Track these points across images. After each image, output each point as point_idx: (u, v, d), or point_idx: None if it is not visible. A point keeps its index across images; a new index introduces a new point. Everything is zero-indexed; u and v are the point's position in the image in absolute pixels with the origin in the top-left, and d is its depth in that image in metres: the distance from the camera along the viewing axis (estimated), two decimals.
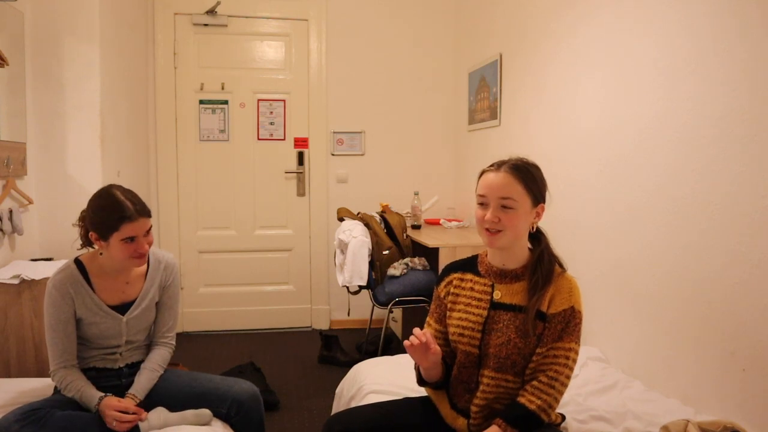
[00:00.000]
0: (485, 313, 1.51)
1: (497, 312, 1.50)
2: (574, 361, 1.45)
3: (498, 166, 1.49)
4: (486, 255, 1.59)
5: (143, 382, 1.75)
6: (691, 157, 1.83)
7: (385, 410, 1.62)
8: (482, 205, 1.48)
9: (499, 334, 1.47)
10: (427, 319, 1.66)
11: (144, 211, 1.70)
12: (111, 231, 1.65)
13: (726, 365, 1.70)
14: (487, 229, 1.46)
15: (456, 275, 1.61)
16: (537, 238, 1.54)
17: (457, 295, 1.58)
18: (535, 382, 1.42)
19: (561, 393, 1.43)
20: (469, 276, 1.58)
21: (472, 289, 1.56)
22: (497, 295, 1.51)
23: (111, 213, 1.65)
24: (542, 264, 1.48)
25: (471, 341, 1.51)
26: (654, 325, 2.02)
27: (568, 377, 1.44)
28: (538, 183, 1.49)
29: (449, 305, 1.59)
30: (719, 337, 1.73)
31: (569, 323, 1.44)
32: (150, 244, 1.73)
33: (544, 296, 1.45)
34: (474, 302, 1.54)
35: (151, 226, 1.73)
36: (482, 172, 1.52)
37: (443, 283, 1.63)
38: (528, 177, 1.47)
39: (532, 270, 1.49)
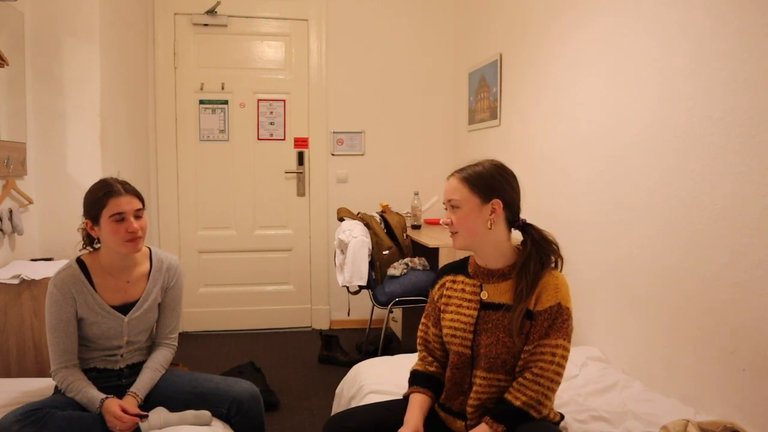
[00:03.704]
0: (475, 313, 1.53)
1: (487, 312, 1.51)
2: (563, 357, 1.45)
3: (452, 173, 1.57)
4: (473, 256, 1.61)
5: (145, 381, 1.75)
6: (691, 157, 1.83)
7: (386, 410, 1.63)
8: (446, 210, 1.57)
9: (489, 335, 1.49)
10: (423, 320, 1.68)
11: (131, 191, 1.72)
12: (99, 209, 1.67)
13: (726, 365, 1.70)
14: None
15: (449, 277, 1.64)
16: (528, 235, 1.54)
17: (449, 297, 1.60)
18: (520, 379, 1.44)
19: (550, 389, 1.43)
20: (460, 278, 1.61)
21: (463, 290, 1.58)
22: (484, 296, 1.53)
23: (98, 191, 1.69)
24: (527, 272, 1.48)
25: (463, 342, 1.53)
26: (654, 325, 2.02)
27: (557, 373, 1.44)
28: (486, 180, 1.50)
29: (442, 307, 1.61)
30: (719, 336, 1.73)
31: (556, 320, 1.44)
32: (143, 228, 1.72)
33: (532, 293, 1.46)
34: (465, 303, 1.56)
35: (141, 209, 1.72)
36: None
37: (437, 286, 1.66)
38: (471, 179, 1.51)
39: (518, 273, 1.50)
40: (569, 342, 1.46)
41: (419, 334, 1.69)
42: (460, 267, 1.64)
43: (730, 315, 1.69)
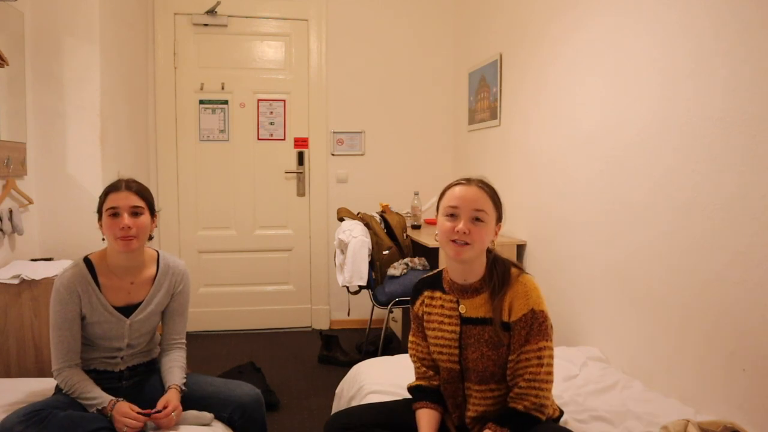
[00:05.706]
0: (458, 328, 1.53)
1: (467, 327, 1.52)
2: (550, 356, 1.46)
3: (467, 181, 1.52)
4: (447, 271, 1.59)
5: (179, 376, 1.76)
6: (692, 157, 1.83)
7: (386, 410, 1.64)
8: (452, 216, 1.47)
9: (473, 349, 1.50)
10: (411, 338, 1.66)
11: (132, 188, 1.73)
12: (101, 204, 1.71)
13: (726, 365, 1.70)
14: (454, 241, 1.45)
15: (427, 293, 1.62)
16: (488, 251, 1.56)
17: (430, 313, 1.60)
18: (516, 389, 1.45)
19: (546, 390, 1.44)
20: (437, 294, 1.59)
21: (442, 306, 1.57)
22: (462, 309, 1.53)
23: (105, 189, 1.74)
24: (496, 268, 1.51)
25: (451, 357, 1.54)
26: (654, 325, 2.02)
27: (549, 373, 1.45)
28: (500, 202, 1.53)
29: (425, 324, 1.61)
30: (719, 336, 1.73)
31: (533, 325, 1.44)
32: (139, 227, 1.70)
33: (504, 303, 1.47)
34: (446, 319, 1.56)
35: (140, 207, 1.71)
36: (448, 187, 1.54)
37: (418, 303, 1.64)
38: (494, 195, 1.51)
39: (488, 277, 1.51)
40: (551, 341, 1.47)
41: (411, 352, 1.66)
42: (435, 282, 1.61)
43: (730, 315, 1.69)
